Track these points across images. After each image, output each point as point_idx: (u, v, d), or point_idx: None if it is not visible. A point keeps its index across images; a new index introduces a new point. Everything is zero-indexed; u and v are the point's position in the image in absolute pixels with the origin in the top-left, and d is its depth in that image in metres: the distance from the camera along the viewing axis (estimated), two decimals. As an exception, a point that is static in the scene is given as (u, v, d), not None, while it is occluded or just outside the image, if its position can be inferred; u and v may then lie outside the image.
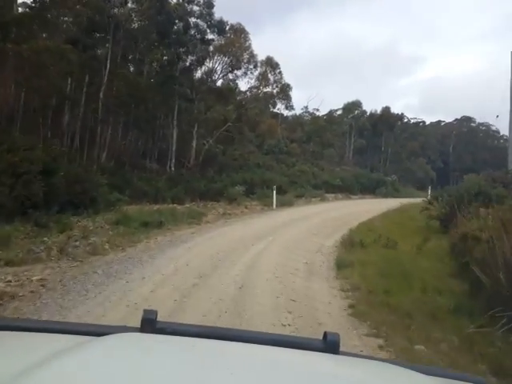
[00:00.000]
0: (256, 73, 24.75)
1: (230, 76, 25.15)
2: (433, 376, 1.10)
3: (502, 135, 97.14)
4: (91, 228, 9.90)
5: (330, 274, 7.40)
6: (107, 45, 22.76)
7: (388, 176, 37.57)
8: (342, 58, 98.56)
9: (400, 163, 57.10)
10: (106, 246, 8.46)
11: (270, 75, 24.67)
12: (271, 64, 24.67)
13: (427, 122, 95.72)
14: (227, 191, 19.61)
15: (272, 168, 28.52)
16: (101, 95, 21.75)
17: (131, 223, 10.74)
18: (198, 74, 26.10)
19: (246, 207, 18.31)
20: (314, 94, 67.39)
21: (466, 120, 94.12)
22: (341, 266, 7.69)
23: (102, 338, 1.03)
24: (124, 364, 0.90)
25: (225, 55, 24.25)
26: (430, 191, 35.59)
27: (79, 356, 0.89)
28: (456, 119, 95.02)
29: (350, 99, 58.93)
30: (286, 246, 9.83)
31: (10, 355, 0.95)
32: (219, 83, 26.49)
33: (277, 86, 25.09)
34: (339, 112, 60.44)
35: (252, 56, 24.52)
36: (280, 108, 40.23)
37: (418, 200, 26.97)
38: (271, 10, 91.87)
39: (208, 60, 24.99)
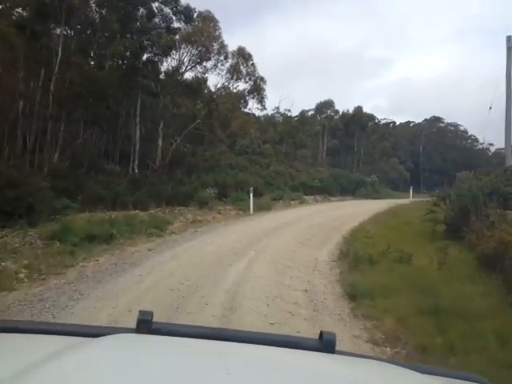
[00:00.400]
0: (227, 65, 22.58)
1: (199, 68, 22.87)
2: (431, 375, 1.10)
3: (470, 135, 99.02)
4: (16, 245, 7.49)
5: (344, 309, 5.32)
6: (58, 30, 20.12)
7: (368, 176, 35.85)
8: (313, 60, 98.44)
9: (373, 164, 56.23)
10: (22, 275, 6.12)
11: (242, 67, 22.55)
12: (243, 55, 22.57)
13: (397, 123, 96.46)
14: (197, 194, 17.30)
15: (246, 169, 26.42)
16: (51, 88, 19.07)
17: (71, 237, 8.39)
18: (164, 66, 23.68)
19: (218, 212, 16.06)
20: (285, 95, 65.65)
21: (435, 120, 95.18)
22: (354, 294, 5.68)
23: (98, 339, 1.02)
24: (120, 365, 0.89)
25: (193, 45, 21.97)
26: (411, 192, 34.51)
27: (76, 357, 0.88)
28: (425, 119, 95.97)
29: (322, 100, 57.65)
30: (273, 265, 7.73)
31: (7, 357, 0.93)
32: (188, 76, 24.10)
33: (250, 79, 22.99)
34: (311, 112, 59.17)
35: (222, 46, 22.37)
36: (251, 108, 38.45)
37: (403, 201, 25.73)
38: (240, 11, 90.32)
39: (174, 51, 22.61)
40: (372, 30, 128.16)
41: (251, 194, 16.85)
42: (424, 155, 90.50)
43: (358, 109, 57.85)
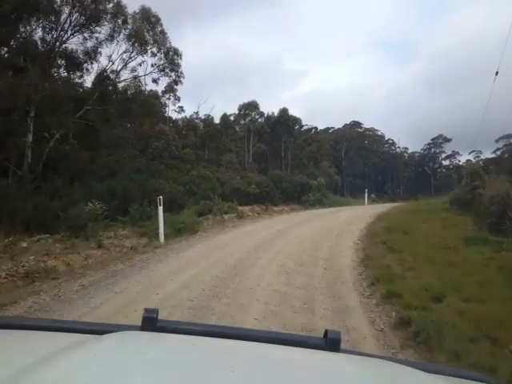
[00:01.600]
0: (127, 32, 16.35)
1: (86, 35, 16.29)
2: (435, 374, 1.09)
3: (388, 139, 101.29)
4: None
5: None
6: None
7: (313, 179, 29.96)
8: (233, 70, 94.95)
9: (303, 168, 52.30)
10: None
11: (147, 34, 16.49)
12: (148, 18, 16.54)
13: (318, 129, 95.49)
14: (68, 213, 10.15)
15: (160, 174, 20.07)
16: None
17: None
18: (39, 33, 16.66)
19: (99, 246, 9.14)
20: (204, 99, 59.64)
21: (355, 125, 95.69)
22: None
23: (103, 336, 1.03)
24: (126, 362, 0.90)
25: (74, 6, 15.42)
26: (366, 196, 30.76)
27: (82, 354, 0.88)
28: (345, 124, 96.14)
29: (246, 101, 52.78)
30: None
31: (13, 353, 0.94)
32: (72, 46, 17.27)
33: (159, 50, 16.95)
34: (235, 115, 54.13)
35: (120, 7, 16.16)
36: (166, 104, 32.20)
37: (376, 209, 21.71)
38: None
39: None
40: (287, 43, 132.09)
41: (160, 209, 10.23)
42: (346, 160, 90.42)
43: (284, 111, 53.86)
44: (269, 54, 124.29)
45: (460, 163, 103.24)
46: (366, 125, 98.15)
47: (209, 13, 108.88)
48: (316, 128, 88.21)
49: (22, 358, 0.85)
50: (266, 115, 54.14)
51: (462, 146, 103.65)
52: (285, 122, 52.42)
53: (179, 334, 1.10)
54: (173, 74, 18.36)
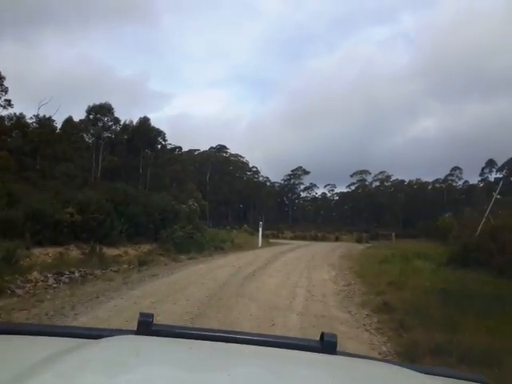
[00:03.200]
0: None
1: None
2: (432, 375, 1.09)
3: (252, 167, 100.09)
4: None
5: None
6: None
7: (183, 203, 17.24)
8: (93, 83, 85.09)
9: (164, 190, 44.80)
10: None
11: None
12: None
13: (184, 150, 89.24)
14: None
15: None
16: None
17: None
18: None
19: None
20: (47, 99, 48.31)
21: (221, 149, 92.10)
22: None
23: (98, 340, 1.02)
24: (121, 366, 0.90)
25: None
26: (261, 233, 20.92)
27: (77, 359, 0.87)
28: (212, 147, 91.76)
29: (97, 102, 43.49)
30: None
31: (9, 358, 0.94)
32: None
33: None
34: (83, 120, 44.22)
35: None
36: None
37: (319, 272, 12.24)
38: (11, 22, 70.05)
39: None
40: (156, 65, 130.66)
41: None
42: (211, 185, 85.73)
43: (145, 120, 46.12)
44: (135, 72, 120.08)
45: (316, 195, 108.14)
46: (232, 151, 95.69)
47: (73, 20, 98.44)
48: (180, 148, 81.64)
49: (17, 364, 0.84)
50: (122, 123, 45.59)
51: (320, 178, 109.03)
52: (146, 132, 44.68)
53: (175, 337, 1.10)
54: None
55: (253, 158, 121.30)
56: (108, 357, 0.95)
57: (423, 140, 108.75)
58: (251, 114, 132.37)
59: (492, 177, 72.89)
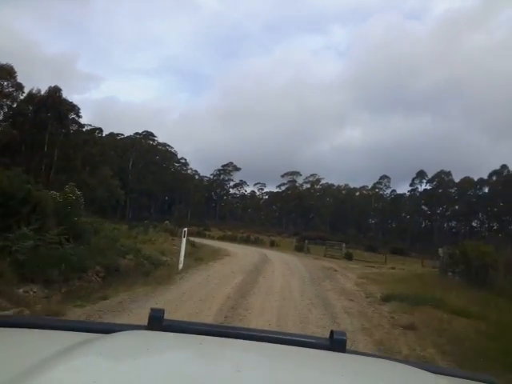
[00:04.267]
0: None
1: None
2: (441, 375, 1.09)
3: (181, 158, 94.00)
4: None
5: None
6: None
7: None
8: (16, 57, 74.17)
9: (74, 173, 38.04)
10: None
11: None
12: None
13: (104, 133, 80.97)
14: None
15: None
16: None
17: None
18: None
19: None
20: None
21: (148, 136, 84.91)
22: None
23: (110, 335, 1.03)
24: (132, 361, 0.91)
25: None
26: (184, 241, 17.37)
27: (87, 353, 0.88)
28: (137, 133, 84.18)
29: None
30: None
31: (19, 352, 0.93)
32: None
33: None
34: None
35: None
36: None
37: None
38: None
39: None
40: (84, 45, 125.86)
41: None
42: (134, 173, 78.35)
43: (56, 91, 38.94)
44: (63, 51, 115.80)
45: (246, 193, 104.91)
46: (160, 139, 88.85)
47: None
48: (101, 129, 73.37)
49: (27, 358, 0.84)
50: (28, 92, 38.09)
51: (250, 176, 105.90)
52: (55, 105, 37.64)
53: (185, 333, 1.11)
54: None
55: (182, 151, 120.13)
56: (119, 351, 0.96)
57: (351, 148, 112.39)
58: (183, 107, 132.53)
59: (421, 187, 74.34)
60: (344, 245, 25.10)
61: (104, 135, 78.10)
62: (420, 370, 1.06)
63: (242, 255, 17.85)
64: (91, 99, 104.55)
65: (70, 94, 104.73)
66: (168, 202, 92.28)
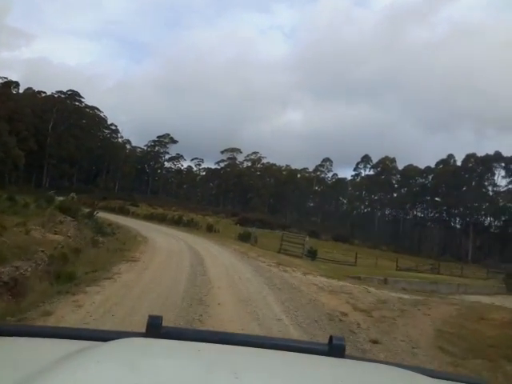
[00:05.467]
0: None
1: None
2: (440, 379, 1.10)
3: (111, 124, 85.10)
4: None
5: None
6: None
7: None
8: None
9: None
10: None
11: None
12: None
13: (22, 88, 70.28)
14: None
15: None
16: None
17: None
18: None
19: None
20: None
21: (73, 95, 75.09)
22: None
23: (108, 342, 1.02)
24: (130, 368, 0.90)
25: None
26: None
27: (85, 361, 0.88)
28: (60, 92, 73.99)
29: None
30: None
31: (17, 360, 0.94)
32: None
33: None
34: None
35: None
36: None
37: None
38: None
39: None
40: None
41: None
42: (54, 137, 68.54)
43: None
44: None
45: (182, 168, 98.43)
46: (88, 101, 79.24)
47: None
48: (17, 84, 63.10)
49: (26, 366, 0.84)
50: None
51: (187, 151, 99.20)
52: None
53: (184, 340, 1.10)
54: None
55: (116, 120, 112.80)
56: (117, 359, 0.95)
57: (292, 131, 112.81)
58: (121, 75, 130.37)
59: (365, 172, 72.84)
60: (307, 239, 20.25)
61: (22, 89, 67.68)
62: (420, 375, 1.06)
63: (162, 259, 11.05)
64: (21, 58, 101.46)
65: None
66: (94, 172, 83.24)
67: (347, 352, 1.14)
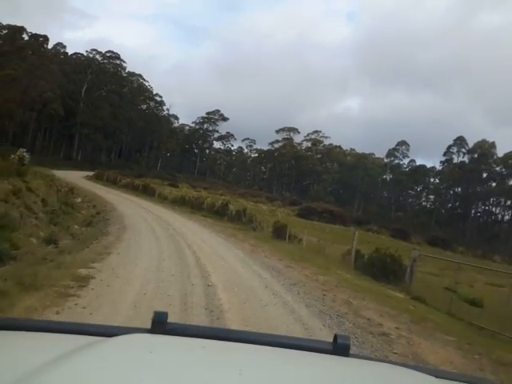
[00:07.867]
0: None
1: None
2: (445, 379, 1.09)
3: (155, 95, 75.57)
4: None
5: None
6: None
7: None
8: None
9: None
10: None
11: None
12: None
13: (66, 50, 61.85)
14: None
15: None
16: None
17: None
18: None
19: None
20: None
21: (112, 57, 65.70)
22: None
23: (112, 338, 1.02)
24: (135, 364, 0.90)
25: None
26: None
27: (90, 357, 0.88)
28: (95, 50, 64.45)
29: None
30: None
31: (21, 355, 0.93)
32: None
33: None
34: None
35: None
36: None
37: None
38: None
39: None
40: None
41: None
42: (88, 102, 59.11)
43: None
44: None
45: (232, 148, 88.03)
46: (131, 67, 69.89)
47: None
48: (46, 38, 54.19)
49: (29, 361, 0.84)
50: None
51: (238, 131, 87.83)
52: None
53: (189, 336, 1.10)
54: None
55: (171, 101, 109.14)
56: (122, 355, 0.95)
57: (350, 116, 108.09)
58: (178, 57, 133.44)
59: (458, 159, 58.14)
60: None
61: (52, 46, 59.22)
62: (425, 375, 1.06)
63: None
64: (84, 39, 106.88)
65: (61, 30, 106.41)
66: (136, 147, 74.12)
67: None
